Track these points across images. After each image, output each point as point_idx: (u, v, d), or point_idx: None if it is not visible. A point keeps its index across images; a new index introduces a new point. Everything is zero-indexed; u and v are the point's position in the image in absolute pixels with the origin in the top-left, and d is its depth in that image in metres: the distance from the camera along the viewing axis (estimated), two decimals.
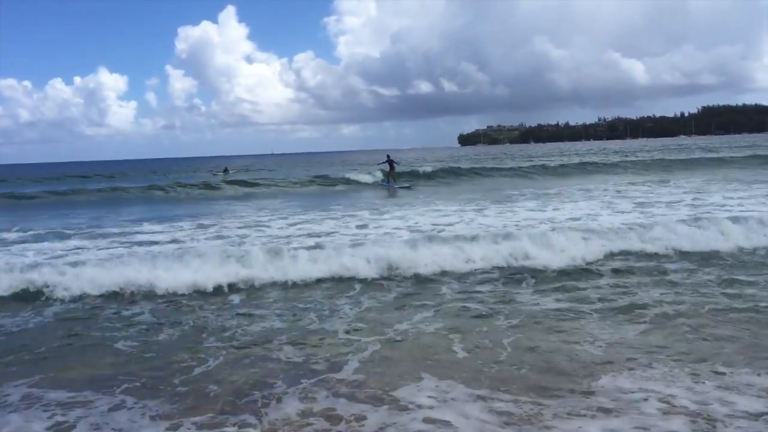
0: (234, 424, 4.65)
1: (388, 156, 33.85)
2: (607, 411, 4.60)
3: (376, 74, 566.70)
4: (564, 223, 13.53)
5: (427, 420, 4.58)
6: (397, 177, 33.05)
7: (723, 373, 5.22)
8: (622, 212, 16.01)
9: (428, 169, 40.13)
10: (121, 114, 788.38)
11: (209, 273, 9.11)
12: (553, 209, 17.41)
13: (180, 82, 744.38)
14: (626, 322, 6.91)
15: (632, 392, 4.92)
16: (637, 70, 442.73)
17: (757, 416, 4.43)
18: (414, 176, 36.63)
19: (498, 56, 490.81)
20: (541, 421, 4.49)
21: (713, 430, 4.26)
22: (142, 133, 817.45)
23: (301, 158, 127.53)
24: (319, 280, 9.27)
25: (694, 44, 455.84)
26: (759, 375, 5.15)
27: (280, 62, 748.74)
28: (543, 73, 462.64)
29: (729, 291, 7.97)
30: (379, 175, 35.82)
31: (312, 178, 37.71)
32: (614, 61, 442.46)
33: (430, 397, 4.98)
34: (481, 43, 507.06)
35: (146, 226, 17.34)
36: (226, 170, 56.39)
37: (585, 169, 40.06)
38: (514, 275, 9.30)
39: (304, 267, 9.51)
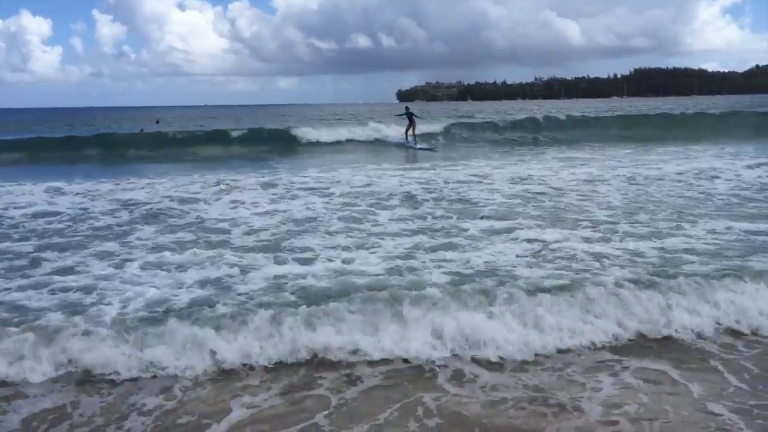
0: None
1: (407, 108, 29.14)
2: None
3: (313, 26, 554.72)
4: None
5: None
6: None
7: None
8: None
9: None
10: (45, 60, 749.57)
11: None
12: None
13: (108, 28, 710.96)
14: None
15: None
16: (572, 31, 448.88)
17: None
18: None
19: (436, 12, 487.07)
20: None
21: None
22: (68, 80, 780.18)
23: (237, 111, 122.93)
24: None
25: (627, 6, 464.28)
26: None
27: (214, 11, 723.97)
28: (481, 30, 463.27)
29: None
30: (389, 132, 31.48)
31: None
32: (550, 20, 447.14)
33: None
34: None
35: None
36: (158, 122, 53.31)
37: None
38: None
39: None
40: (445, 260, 8.04)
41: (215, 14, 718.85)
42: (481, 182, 15.49)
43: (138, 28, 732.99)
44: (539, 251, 8.40)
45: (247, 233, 9.91)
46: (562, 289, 6.56)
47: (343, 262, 8.06)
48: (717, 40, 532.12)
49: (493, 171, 17.95)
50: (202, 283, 7.25)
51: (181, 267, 7.94)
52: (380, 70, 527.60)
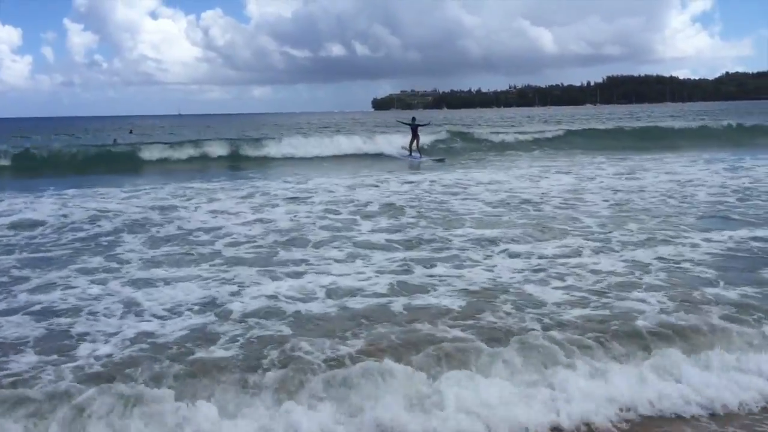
0: None
1: (413, 119, 27.14)
2: None
3: (287, 35, 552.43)
4: None
5: None
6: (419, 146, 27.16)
7: None
8: None
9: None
10: (15, 69, 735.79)
11: None
12: None
13: (79, 37, 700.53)
14: None
15: None
16: (545, 39, 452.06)
17: None
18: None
19: (410, 20, 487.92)
20: None
21: None
22: (39, 89, 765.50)
23: (211, 120, 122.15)
24: None
25: (599, 15, 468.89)
26: None
27: (187, 19, 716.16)
28: (455, 38, 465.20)
29: None
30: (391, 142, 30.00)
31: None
32: (524, 29, 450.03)
33: None
34: (393, 7, 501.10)
35: None
36: (131, 131, 52.63)
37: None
38: None
39: None
40: (444, 276, 7.75)
41: (188, 23, 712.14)
42: (464, 190, 15.45)
43: (110, 37, 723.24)
44: (540, 266, 8.15)
45: (233, 244, 9.62)
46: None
47: (338, 275, 7.79)
48: (687, 48, 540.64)
49: (475, 177, 17.95)
50: (197, 310, 6.69)
51: (172, 285, 7.58)
52: (355, 79, 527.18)
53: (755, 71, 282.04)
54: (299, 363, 5.08)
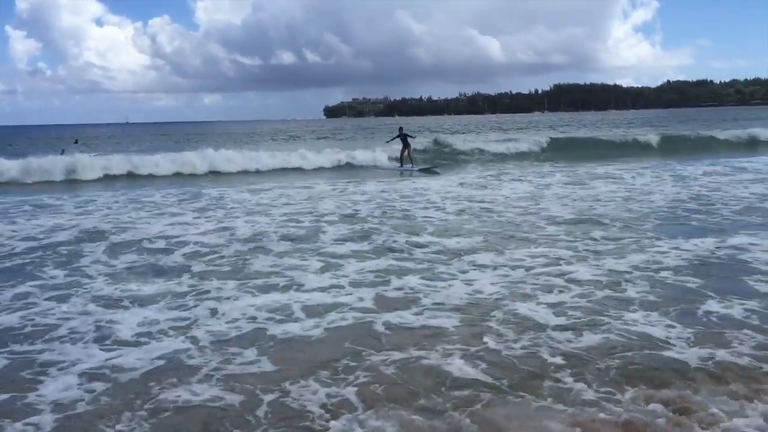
0: None
1: (400, 129, 26.18)
2: None
3: (237, 42, 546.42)
4: None
5: None
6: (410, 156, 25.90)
7: None
8: None
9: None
10: None
11: None
12: None
13: (22, 44, 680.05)
14: None
15: None
16: (493, 48, 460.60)
17: None
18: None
19: (361, 29, 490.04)
20: None
21: None
22: None
23: (160, 128, 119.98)
24: None
25: (545, 24, 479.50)
26: None
27: (134, 26, 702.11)
28: (405, 46, 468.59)
29: None
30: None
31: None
32: (472, 37, 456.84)
33: None
34: (343, 15, 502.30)
35: None
36: (76, 142, 51.18)
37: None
38: None
39: None
40: (421, 289, 7.58)
41: (135, 30, 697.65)
42: (421, 196, 15.41)
43: (54, 44, 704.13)
44: (520, 278, 8.04)
45: (196, 256, 9.33)
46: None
47: (312, 289, 7.54)
48: (630, 57, 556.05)
49: (434, 185, 17.96)
50: (170, 334, 6.30)
51: (140, 302, 7.24)
52: (306, 87, 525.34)
53: (695, 79, 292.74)
54: (293, 417, 4.48)
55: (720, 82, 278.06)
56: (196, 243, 10.51)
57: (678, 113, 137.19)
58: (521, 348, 5.63)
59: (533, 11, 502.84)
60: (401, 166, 25.43)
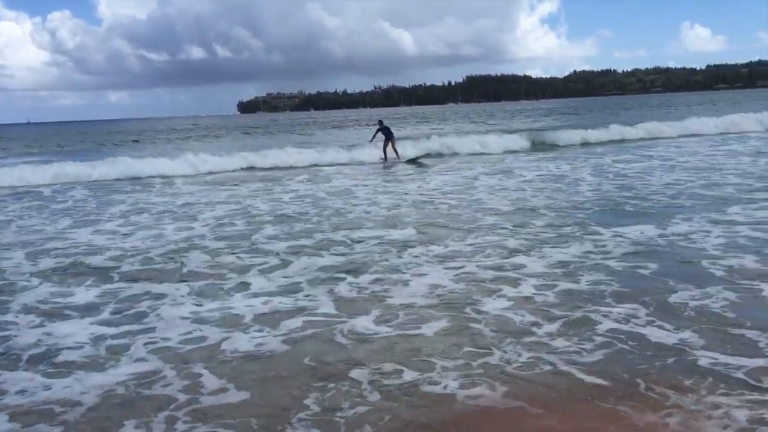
0: None
1: (380, 122, 24.72)
2: None
3: (143, 37, 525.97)
4: None
5: None
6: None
7: None
8: None
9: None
10: None
11: None
12: None
13: None
14: None
15: None
16: (405, 40, 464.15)
17: None
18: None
19: (271, 23, 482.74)
20: None
21: None
22: None
23: (65, 127, 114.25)
24: None
25: (455, 16, 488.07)
26: None
27: (32, 21, 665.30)
28: (318, 40, 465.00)
29: None
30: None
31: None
32: (384, 30, 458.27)
33: None
34: (253, 9, 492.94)
35: None
36: None
37: None
38: None
39: None
40: (375, 289, 7.32)
41: (33, 25, 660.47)
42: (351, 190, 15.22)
43: None
44: (474, 273, 7.91)
45: (122, 259, 8.78)
46: None
47: (260, 292, 7.15)
48: (538, 48, 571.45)
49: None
50: (101, 357, 5.82)
51: (67, 315, 6.66)
52: (218, 82, 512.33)
53: (599, 69, 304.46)
54: None
55: (623, 71, 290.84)
56: (126, 248, 9.94)
57: (585, 102, 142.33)
58: (514, 357, 5.16)
59: (443, 3, 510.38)
60: (386, 160, 23.91)
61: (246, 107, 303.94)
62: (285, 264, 8.59)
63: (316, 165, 24.48)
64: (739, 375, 4.70)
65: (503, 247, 9.06)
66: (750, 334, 5.46)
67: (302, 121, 76.51)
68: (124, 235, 11.24)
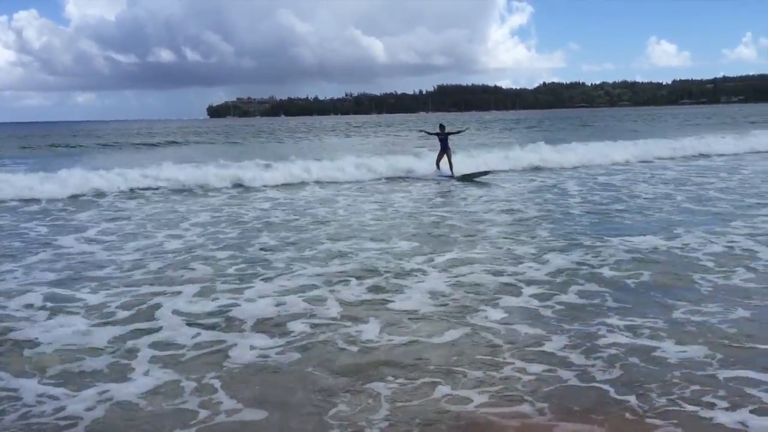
0: None
1: (441, 127, 20.31)
2: None
3: (111, 39, 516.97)
4: None
5: None
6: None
7: None
8: None
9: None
10: None
11: None
12: None
13: None
14: None
15: None
16: (377, 48, 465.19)
17: None
18: None
19: (242, 27, 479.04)
20: None
21: None
22: None
23: (30, 128, 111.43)
24: None
25: (427, 26, 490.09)
26: None
27: None
28: (289, 46, 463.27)
29: None
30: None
31: None
32: (356, 38, 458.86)
33: None
34: (224, 13, 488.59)
35: None
36: None
37: None
38: None
39: None
40: (376, 298, 7.09)
41: None
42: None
43: None
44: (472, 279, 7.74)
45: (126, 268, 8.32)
46: None
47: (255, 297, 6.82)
48: (508, 60, 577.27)
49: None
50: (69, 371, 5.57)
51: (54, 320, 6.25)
52: (188, 86, 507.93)
53: (568, 81, 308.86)
54: None
55: (591, 84, 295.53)
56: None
57: (555, 114, 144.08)
58: (532, 377, 4.89)
59: (415, 13, 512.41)
60: (439, 170, 20.29)
61: (216, 111, 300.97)
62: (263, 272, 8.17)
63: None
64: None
65: (498, 256, 8.83)
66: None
67: (278, 126, 75.71)
68: None
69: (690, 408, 4.35)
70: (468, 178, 19.40)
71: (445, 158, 20.05)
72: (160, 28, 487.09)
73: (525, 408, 4.38)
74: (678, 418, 4.20)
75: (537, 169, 22.15)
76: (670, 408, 4.35)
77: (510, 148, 26.02)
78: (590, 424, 4.16)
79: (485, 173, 20.19)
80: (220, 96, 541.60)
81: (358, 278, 7.73)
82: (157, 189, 17.62)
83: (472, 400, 4.51)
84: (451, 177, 19.56)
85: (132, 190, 17.41)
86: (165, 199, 16.02)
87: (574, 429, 4.12)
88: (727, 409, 4.32)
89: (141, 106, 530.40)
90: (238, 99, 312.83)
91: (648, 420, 4.21)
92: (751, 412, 4.28)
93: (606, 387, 4.69)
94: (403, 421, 4.25)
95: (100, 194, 16.79)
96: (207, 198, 16.03)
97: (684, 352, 5.32)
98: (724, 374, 4.86)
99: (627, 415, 4.27)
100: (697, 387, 4.65)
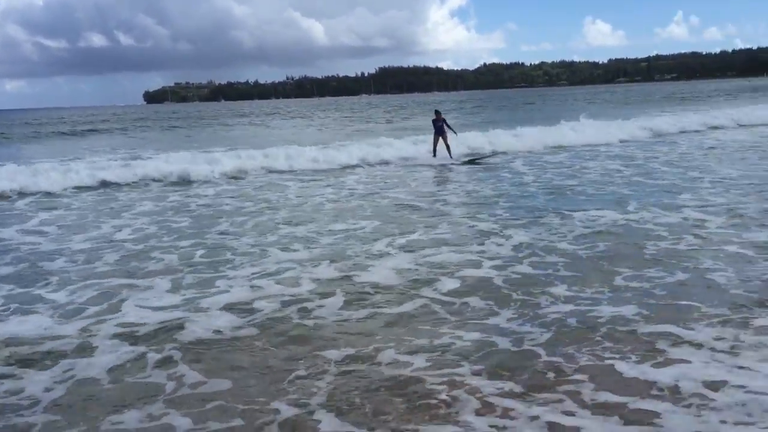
0: None
1: (437, 113, 20.10)
2: None
3: (39, 23, 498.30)
4: None
5: None
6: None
7: None
8: None
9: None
10: None
11: None
12: None
13: None
14: None
15: None
16: (317, 31, 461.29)
17: None
18: None
19: (177, 11, 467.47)
20: None
21: None
22: None
23: None
24: None
25: (365, 7, 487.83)
26: None
27: None
28: (227, 29, 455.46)
29: None
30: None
31: None
32: (295, 20, 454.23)
33: None
34: None
35: None
36: None
37: None
38: None
39: None
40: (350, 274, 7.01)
41: None
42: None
43: None
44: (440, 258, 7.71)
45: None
46: None
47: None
48: (448, 41, 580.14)
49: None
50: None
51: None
52: (122, 71, 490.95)
53: (508, 62, 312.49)
54: None
55: (530, 64, 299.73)
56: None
57: (496, 94, 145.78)
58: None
59: None
60: (435, 156, 20.08)
61: (152, 97, 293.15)
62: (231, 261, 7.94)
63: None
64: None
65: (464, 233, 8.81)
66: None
67: (213, 112, 74.14)
68: None
69: (608, 362, 4.72)
70: (470, 162, 19.31)
71: (441, 142, 19.89)
72: (91, 12, 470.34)
73: (459, 370, 4.67)
74: (593, 372, 4.56)
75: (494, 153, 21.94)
76: (590, 363, 4.71)
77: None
78: (515, 383, 4.44)
79: (489, 155, 20.28)
80: (157, 81, 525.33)
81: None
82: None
83: (412, 364, 4.79)
84: (452, 162, 19.25)
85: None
86: (103, 190, 15.25)
87: (500, 386, 4.39)
88: (637, 362, 4.69)
89: (74, 93, 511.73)
90: (176, 84, 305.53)
91: (569, 376, 4.52)
92: (653, 365, 4.62)
93: (538, 349, 4.99)
94: (347, 384, 4.56)
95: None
96: (147, 188, 15.40)
97: (617, 312, 5.72)
98: (643, 329, 5.29)
99: (550, 373, 4.58)
100: (618, 344, 5.04)
